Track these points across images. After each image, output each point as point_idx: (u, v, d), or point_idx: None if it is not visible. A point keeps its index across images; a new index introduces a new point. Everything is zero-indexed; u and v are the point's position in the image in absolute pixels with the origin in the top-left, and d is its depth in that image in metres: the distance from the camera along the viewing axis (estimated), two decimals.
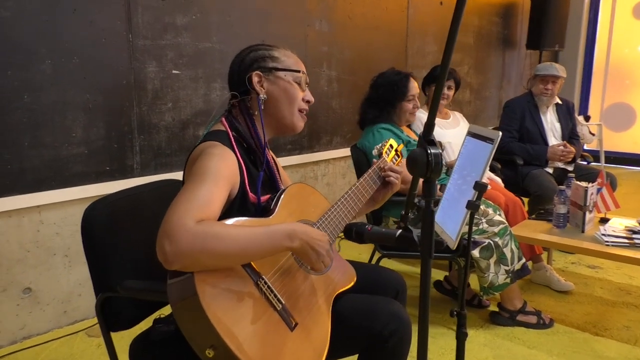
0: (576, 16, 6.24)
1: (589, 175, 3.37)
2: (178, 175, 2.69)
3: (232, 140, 1.29)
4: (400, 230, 1.09)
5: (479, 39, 5.08)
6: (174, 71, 2.61)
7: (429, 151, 0.91)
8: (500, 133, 1.26)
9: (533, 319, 2.42)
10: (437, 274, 2.94)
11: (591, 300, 2.72)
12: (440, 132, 2.98)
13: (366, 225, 1.16)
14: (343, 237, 1.31)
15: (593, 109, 6.79)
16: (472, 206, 1.22)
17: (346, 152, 3.77)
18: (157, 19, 2.51)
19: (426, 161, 0.90)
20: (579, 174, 3.31)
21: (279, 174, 1.44)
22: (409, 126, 2.65)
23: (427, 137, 0.93)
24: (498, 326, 2.42)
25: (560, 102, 3.59)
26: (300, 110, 1.39)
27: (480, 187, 1.22)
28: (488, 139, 1.29)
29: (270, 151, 1.50)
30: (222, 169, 1.19)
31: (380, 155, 1.57)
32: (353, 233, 1.17)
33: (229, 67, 1.39)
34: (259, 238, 1.10)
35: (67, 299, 2.34)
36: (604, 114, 6.77)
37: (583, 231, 2.44)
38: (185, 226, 1.03)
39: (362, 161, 2.44)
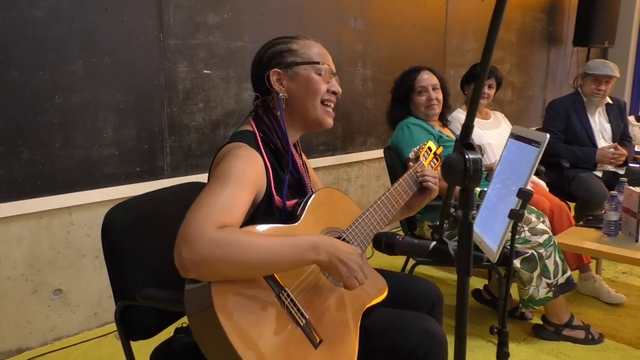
0: (628, 10, 5.90)
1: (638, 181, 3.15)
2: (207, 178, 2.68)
3: (259, 141, 1.23)
4: (434, 243, 0.99)
5: (522, 36, 4.86)
6: (205, 71, 2.57)
7: (466, 156, 0.80)
8: (548, 135, 1.14)
9: (581, 334, 2.25)
10: (477, 283, 2.80)
11: None
12: (480, 132, 2.84)
13: (397, 236, 1.07)
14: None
15: None
16: (516, 216, 1.11)
17: (381, 153, 3.63)
18: (189, 18, 2.48)
19: (463, 168, 0.80)
20: (631, 178, 3.09)
21: (308, 177, 1.36)
22: (444, 125, 2.53)
23: (464, 140, 0.82)
24: (542, 340, 2.27)
25: (611, 101, 3.37)
26: (324, 103, 1.29)
27: (524, 195, 1.11)
28: (534, 142, 1.18)
29: (303, 154, 1.43)
30: (247, 171, 1.12)
31: (417, 158, 1.47)
32: (383, 244, 1.08)
33: (251, 66, 1.33)
34: (283, 249, 1.03)
35: (97, 300, 2.34)
36: None
37: (637, 240, 2.25)
38: (206, 232, 0.97)
39: (395, 163, 2.34)
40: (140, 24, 2.32)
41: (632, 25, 6.10)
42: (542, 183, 2.89)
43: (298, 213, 1.20)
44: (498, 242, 1.18)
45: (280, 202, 1.20)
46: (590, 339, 2.25)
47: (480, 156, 0.82)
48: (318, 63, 1.28)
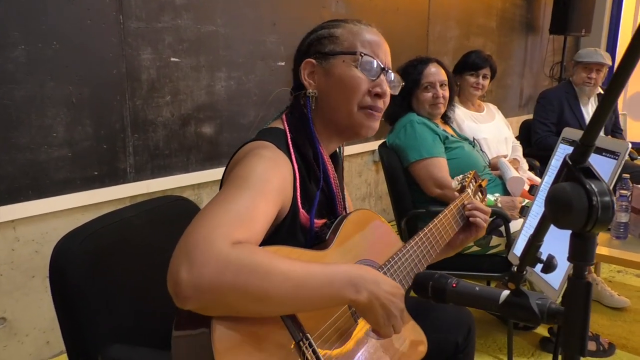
0: None
1: (637, 174, 3.02)
2: (179, 180, 2.37)
3: (290, 143, 0.98)
4: (506, 292, 0.75)
5: (502, 23, 4.69)
6: (172, 59, 2.25)
7: (588, 187, 0.56)
8: (629, 144, 0.91)
9: (591, 346, 2.09)
10: None
11: None
12: (475, 127, 2.63)
13: (449, 279, 0.82)
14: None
15: None
16: None
17: (363, 147, 3.42)
18: None
19: (587, 205, 0.55)
20: (626, 173, 2.96)
21: (341, 194, 1.10)
22: (445, 122, 2.29)
23: (580, 162, 0.58)
24: (550, 354, 2.09)
25: (602, 91, 3.23)
26: (363, 107, 1.03)
27: None
28: (606, 151, 0.94)
29: (340, 163, 1.16)
30: (274, 177, 0.87)
31: (463, 188, 1.24)
32: (429, 288, 0.83)
33: None
34: (315, 280, 0.77)
35: (49, 326, 2.00)
36: (627, 103, 6.40)
37: None
38: (215, 247, 0.71)
39: (395, 165, 2.08)
40: (95, 4, 1.98)
41: (604, 14, 6.05)
42: (539, 180, 2.71)
43: (327, 237, 0.95)
44: (561, 276, 0.95)
45: (307, 219, 0.95)
46: (602, 350, 2.09)
47: (606, 183, 0.58)
48: (354, 53, 1.01)
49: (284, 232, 0.92)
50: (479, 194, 1.33)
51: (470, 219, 1.21)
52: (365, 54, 1.01)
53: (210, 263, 0.70)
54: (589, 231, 0.57)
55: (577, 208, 0.55)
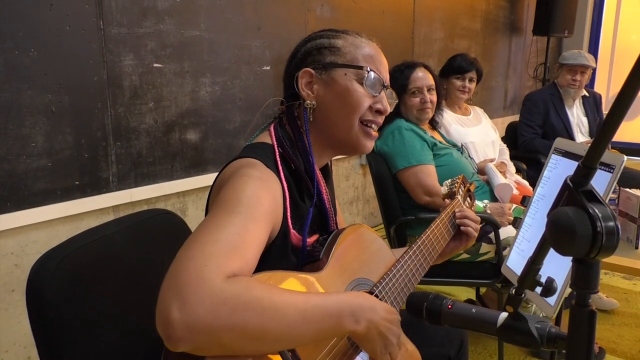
0: (582, 0, 5.90)
1: (623, 176, 3.05)
2: (163, 188, 2.32)
3: (278, 158, 0.94)
4: (504, 315, 0.73)
5: (486, 25, 4.71)
6: (155, 64, 2.20)
7: (591, 211, 0.54)
8: (625, 157, 0.90)
9: None
10: (469, 293, 2.60)
11: None
12: (463, 130, 2.62)
13: (444, 300, 0.79)
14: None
15: None
16: None
17: None
18: (134, 3, 2.09)
19: (591, 232, 0.53)
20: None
21: (333, 209, 1.06)
22: (433, 127, 2.28)
23: (582, 185, 0.56)
24: None
25: (587, 94, 3.25)
26: (364, 123, 1.01)
27: None
28: (602, 165, 0.93)
29: (332, 177, 1.14)
30: (263, 199, 0.83)
31: (452, 194, 1.22)
32: (424, 310, 0.80)
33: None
34: (314, 314, 0.73)
35: (30, 341, 1.93)
36: (609, 103, 6.47)
37: (637, 247, 2.10)
38: (209, 283, 0.66)
39: (383, 172, 2.06)
40: (74, 9, 1.92)
41: (586, 15, 6.11)
42: (526, 183, 2.71)
43: (321, 257, 0.91)
44: (557, 292, 0.93)
45: (298, 239, 0.92)
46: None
47: (609, 208, 0.55)
48: (361, 68, 0.98)
49: (275, 253, 0.88)
50: (468, 199, 1.31)
51: (462, 228, 1.19)
52: (370, 70, 0.99)
53: (204, 301, 0.65)
54: (592, 258, 0.55)
55: (580, 234, 0.53)
